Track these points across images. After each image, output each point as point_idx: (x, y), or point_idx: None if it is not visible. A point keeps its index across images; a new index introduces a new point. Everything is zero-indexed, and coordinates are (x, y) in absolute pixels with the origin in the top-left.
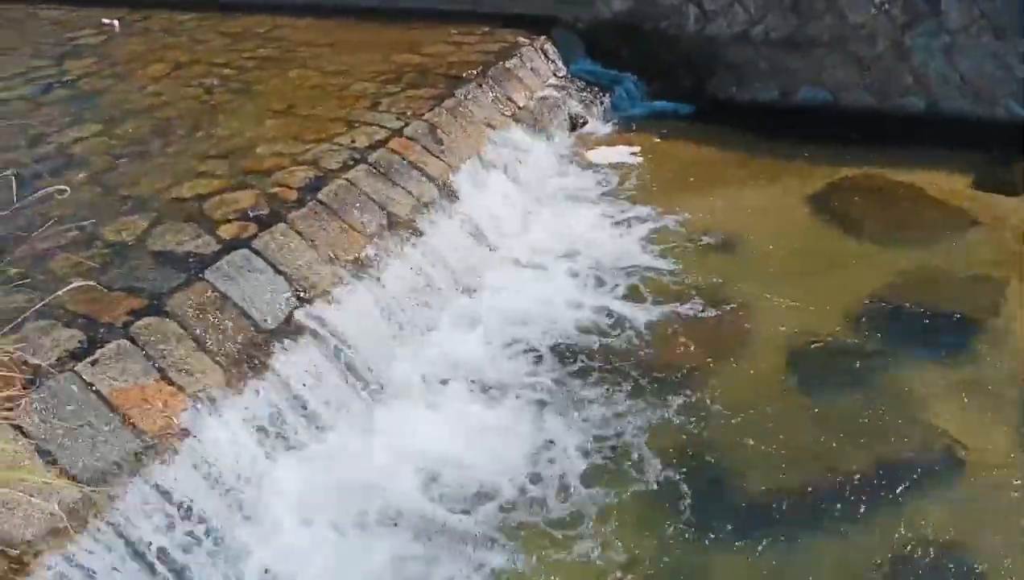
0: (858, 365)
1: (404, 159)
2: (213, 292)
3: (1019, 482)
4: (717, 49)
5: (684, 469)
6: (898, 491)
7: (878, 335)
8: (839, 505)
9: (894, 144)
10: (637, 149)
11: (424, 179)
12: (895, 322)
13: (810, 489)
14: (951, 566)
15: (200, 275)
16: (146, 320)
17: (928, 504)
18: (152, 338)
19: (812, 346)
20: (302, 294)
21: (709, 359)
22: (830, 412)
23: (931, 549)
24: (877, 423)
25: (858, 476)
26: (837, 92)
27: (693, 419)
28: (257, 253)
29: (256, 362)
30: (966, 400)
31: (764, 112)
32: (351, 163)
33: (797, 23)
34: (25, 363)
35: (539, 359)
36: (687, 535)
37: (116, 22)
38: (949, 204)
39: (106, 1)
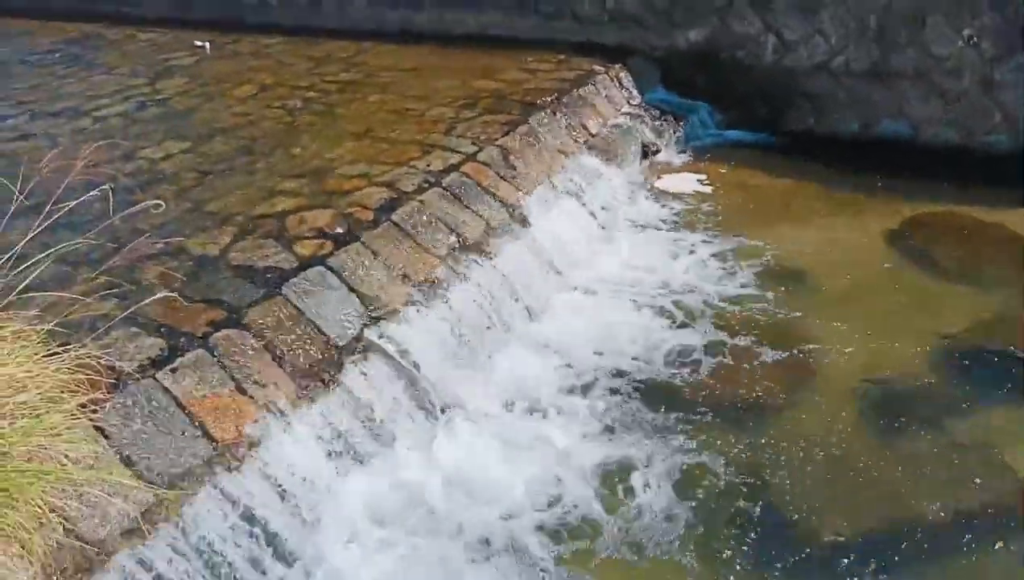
0: (934, 408)
1: (477, 183)
2: (289, 307)
3: None
4: (795, 79)
5: (749, 507)
6: (970, 541)
7: (956, 378)
8: (907, 553)
9: (978, 182)
10: (710, 179)
11: (495, 203)
12: (973, 365)
13: (878, 535)
14: None
15: (277, 290)
16: (224, 332)
17: (1001, 557)
18: (229, 349)
19: (886, 386)
20: (373, 312)
21: (779, 395)
22: (902, 455)
23: None
24: (951, 469)
25: (929, 524)
26: (919, 126)
27: (760, 456)
28: (332, 270)
29: (327, 377)
30: None
31: (842, 144)
32: (425, 186)
33: (879, 54)
34: (111, 368)
35: (604, 388)
36: (749, 574)
37: (207, 44)
38: None
39: (199, 25)
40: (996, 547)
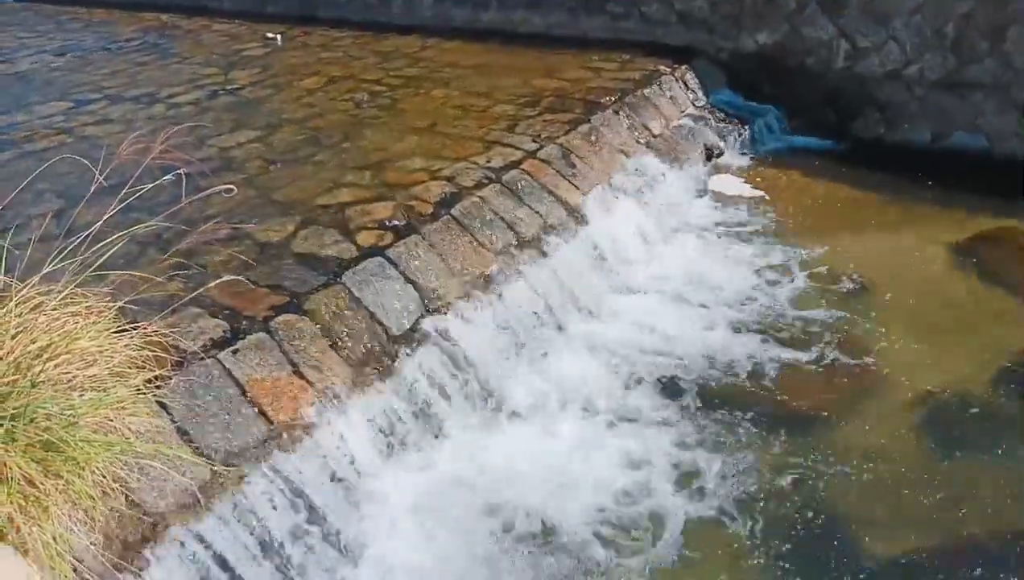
0: (995, 429)
1: (536, 180)
2: (348, 295)
3: None
4: (866, 87)
5: (801, 520)
6: (1016, 568)
7: (1017, 398)
8: (960, 575)
9: None
10: (773, 184)
11: (554, 201)
12: None
13: (929, 554)
14: None
15: (337, 278)
16: (285, 317)
17: None
18: (289, 334)
19: (947, 404)
20: (429, 304)
21: (837, 408)
22: (960, 475)
23: None
24: (1010, 492)
25: (981, 548)
26: (994, 139)
27: (815, 469)
28: (391, 261)
29: (382, 365)
30: None
31: (912, 155)
32: (485, 181)
33: (956, 64)
34: (176, 347)
35: (657, 391)
36: None
37: (279, 37)
38: None
39: (272, 18)
40: None
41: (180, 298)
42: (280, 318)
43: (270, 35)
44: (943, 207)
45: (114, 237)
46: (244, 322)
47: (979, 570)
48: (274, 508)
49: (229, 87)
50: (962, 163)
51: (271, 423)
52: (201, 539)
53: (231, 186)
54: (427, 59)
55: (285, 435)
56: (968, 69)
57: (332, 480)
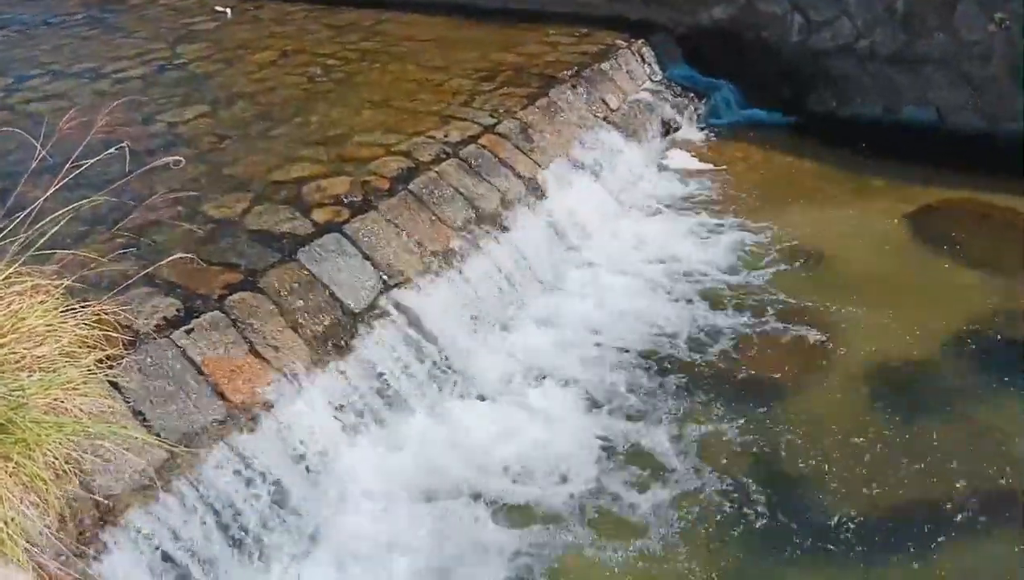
0: (944, 393)
1: (494, 155)
2: (304, 272)
3: None
4: (820, 61)
5: (757, 485)
6: (974, 526)
7: (968, 364)
8: (913, 536)
9: (1002, 169)
10: (729, 158)
11: (512, 176)
12: (987, 352)
13: (883, 515)
14: None
15: (293, 255)
16: (240, 295)
17: (1005, 542)
18: (244, 312)
19: (898, 370)
20: (388, 280)
21: (791, 376)
22: (911, 438)
23: None
24: (958, 454)
25: (936, 508)
26: (944, 112)
27: (770, 435)
28: (348, 238)
29: (340, 343)
30: None
31: (865, 128)
32: (443, 156)
33: (906, 38)
34: (127, 326)
35: (616, 363)
36: (755, 552)
37: (228, 10)
38: None
39: None
40: (1004, 531)
41: (131, 277)
42: (235, 296)
43: (219, 8)
44: (895, 179)
45: (59, 213)
46: (198, 301)
47: (932, 529)
48: (233, 489)
49: (177, 61)
50: (913, 136)
51: (228, 403)
52: (160, 520)
53: (178, 158)
54: (383, 32)
55: (243, 415)
56: (918, 43)
57: (292, 459)
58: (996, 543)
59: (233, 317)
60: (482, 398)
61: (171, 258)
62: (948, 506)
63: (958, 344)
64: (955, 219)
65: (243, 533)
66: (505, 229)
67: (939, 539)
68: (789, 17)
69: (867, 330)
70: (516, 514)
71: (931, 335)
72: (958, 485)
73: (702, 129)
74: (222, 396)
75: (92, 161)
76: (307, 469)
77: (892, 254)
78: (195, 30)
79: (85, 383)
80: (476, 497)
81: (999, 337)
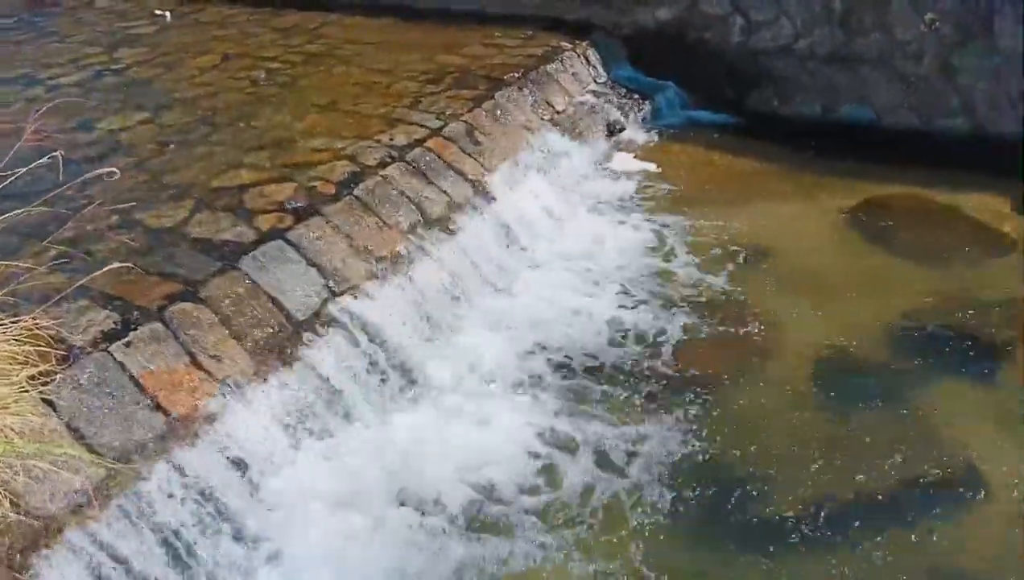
0: (885, 384)
1: (441, 158)
2: (247, 281)
3: None
4: (761, 61)
5: (701, 481)
6: (917, 513)
7: (908, 355)
8: (856, 524)
9: (936, 165)
10: (675, 158)
11: (459, 179)
12: (925, 343)
13: (828, 506)
14: None
15: (235, 264)
16: (180, 305)
17: (947, 527)
18: (185, 323)
19: (840, 363)
20: (334, 287)
21: (734, 371)
22: (853, 430)
23: (946, 574)
24: (900, 443)
25: (877, 495)
26: (881, 110)
27: (714, 430)
28: (292, 244)
29: (286, 352)
30: (991, 425)
31: (806, 127)
32: (389, 160)
33: (843, 39)
34: (61, 341)
35: (564, 365)
36: (700, 548)
37: (168, 13)
38: (989, 227)
39: None
40: (944, 517)
41: (64, 290)
42: (175, 307)
43: (158, 11)
44: (833, 176)
45: None
46: (136, 313)
47: (872, 519)
48: (175, 505)
49: (115, 67)
50: (852, 134)
51: (169, 417)
52: (97, 541)
53: (113, 169)
54: (327, 36)
55: (184, 429)
56: (855, 43)
57: (236, 473)
58: (936, 529)
59: (173, 328)
60: (431, 403)
61: (108, 269)
62: (888, 495)
63: (897, 336)
64: (893, 214)
65: (186, 551)
66: (453, 232)
67: (880, 528)
68: (731, 18)
69: (808, 324)
70: (466, 519)
71: (871, 328)
72: (898, 474)
73: (647, 130)
74: (162, 410)
75: (23, 170)
76: (252, 482)
77: (833, 249)
78: (133, 34)
79: (16, 402)
80: (426, 504)
81: (937, 329)
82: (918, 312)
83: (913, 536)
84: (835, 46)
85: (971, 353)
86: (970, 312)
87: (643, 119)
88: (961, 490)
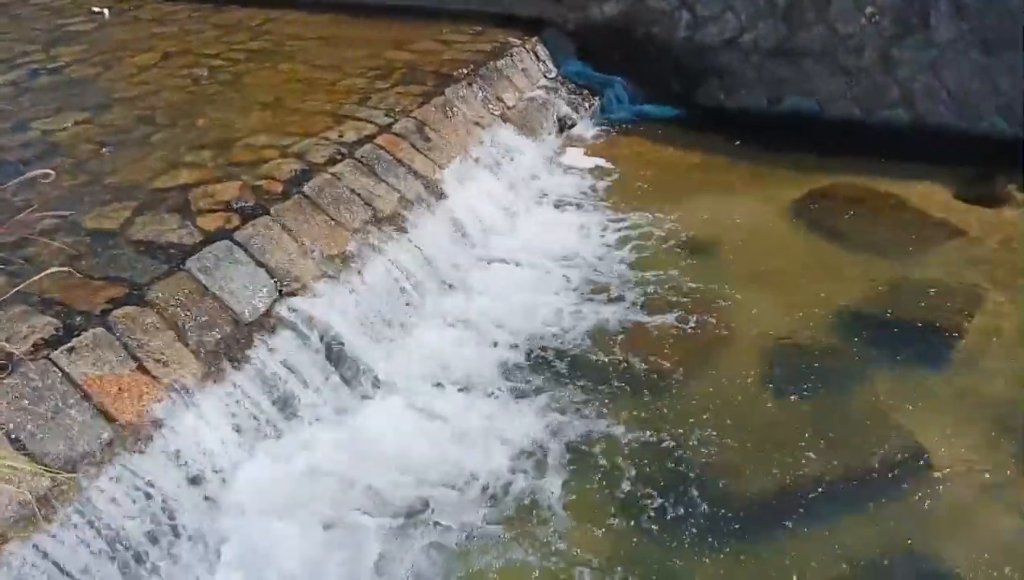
0: (835, 372)
1: (391, 155)
2: (193, 283)
3: (983, 490)
4: (707, 55)
5: (658, 472)
6: (868, 496)
7: (856, 342)
8: (812, 509)
9: (879, 155)
10: (624, 153)
11: (410, 176)
12: (873, 330)
13: (783, 493)
14: (915, 571)
15: (181, 266)
16: (124, 309)
17: (896, 509)
18: (129, 327)
19: (789, 352)
20: (283, 287)
21: (687, 363)
22: (805, 417)
23: (898, 554)
24: (851, 429)
25: (831, 480)
26: (824, 102)
27: (669, 422)
28: (239, 245)
29: (234, 354)
30: (937, 408)
31: (752, 120)
32: (338, 157)
33: (787, 32)
34: (0, 349)
35: (519, 360)
36: (659, 537)
37: (106, 10)
38: (931, 215)
39: None
40: (895, 499)
41: (2, 295)
42: (119, 311)
43: (96, 8)
44: (780, 167)
45: None
46: (79, 318)
47: (827, 502)
48: (123, 513)
49: (52, 65)
50: (797, 126)
51: (116, 423)
52: (42, 552)
53: (48, 171)
54: (271, 32)
55: (132, 436)
56: (798, 36)
57: (186, 479)
58: (888, 511)
59: (117, 333)
60: (385, 402)
61: (47, 273)
62: (841, 480)
63: (845, 324)
64: (838, 204)
65: (136, 561)
66: (405, 229)
67: (834, 512)
68: (677, 13)
69: (758, 314)
70: (420, 519)
71: (819, 316)
72: (849, 460)
73: (597, 125)
74: (108, 417)
75: None
76: (202, 488)
77: (778, 239)
78: (71, 31)
79: None
80: (379, 504)
81: (885, 315)
82: (865, 300)
83: (866, 519)
84: (779, 40)
85: (917, 339)
86: (914, 299)
87: (593, 114)
88: (909, 472)
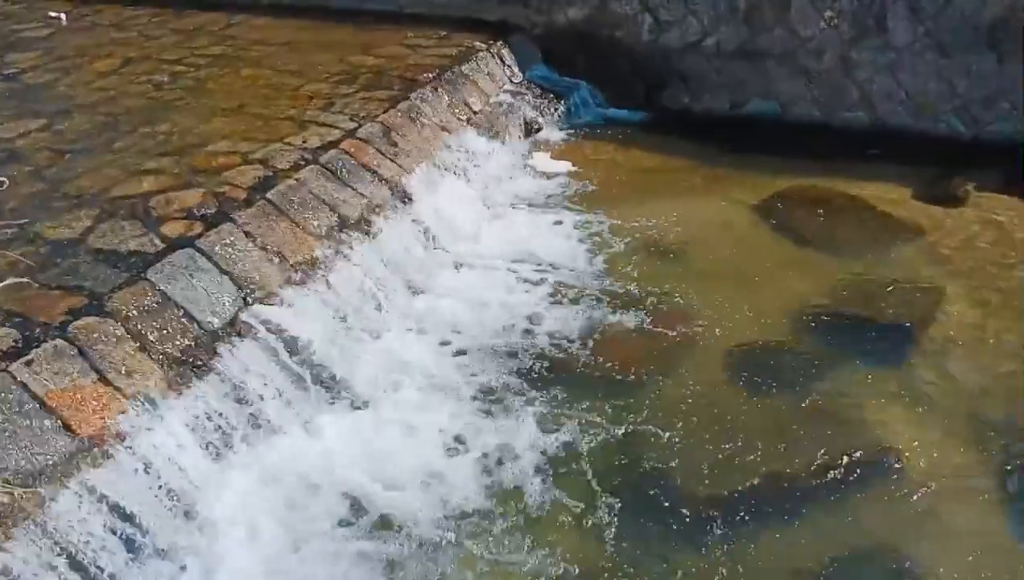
0: (799, 371)
1: (357, 161)
2: (155, 292)
3: (947, 484)
4: (670, 59)
5: (626, 473)
6: (833, 492)
7: (819, 341)
8: (778, 507)
9: (839, 156)
10: (589, 156)
11: (377, 181)
12: (836, 328)
13: (749, 492)
14: (883, 566)
15: (142, 274)
16: (85, 320)
17: (862, 505)
18: (90, 338)
19: (755, 352)
20: (248, 295)
21: (653, 364)
22: (771, 416)
23: (864, 549)
24: (815, 427)
25: (796, 478)
26: (785, 104)
27: (636, 423)
28: (202, 253)
29: (199, 363)
30: (900, 404)
31: (715, 122)
32: (302, 163)
33: (748, 35)
34: None
35: (486, 364)
36: (628, 538)
37: (63, 15)
38: (891, 215)
39: None
40: (859, 494)
41: None
42: (79, 322)
43: (53, 13)
44: (743, 169)
45: None
46: (38, 330)
47: (794, 499)
48: (88, 528)
49: (8, 72)
50: (759, 128)
51: (77, 436)
52: (4, 571)
53: (2, 179)
54: (234, 36)
55: (95, 448)
56: (759, 39)
57: (152, 490)
58: (853, 506)
59: (78, 344)
60: (354, 408)
61: (4, 284)
62: (806, 477)
63: (808, 323)
64: (800, 205)
65: (99, 572)
66: (372, 235)
67: (800, 509)
68: (640, 17)
69: (723, 315)
70: (388, 525)
71: (783, 316)
72: (814, 456)
73: (563, 128)
74: (70, 430)
75: None
76: (169, 501)
77: (744, 241)
78: (26, 37)
79: None
80: (349, 511)
81: (845, 314)
82: (827, 299)
83: (832, 514)
84: (741, 43)
85: (877, 336)
86: (875, 297)
87: (559, 118)
88: (873, 467)
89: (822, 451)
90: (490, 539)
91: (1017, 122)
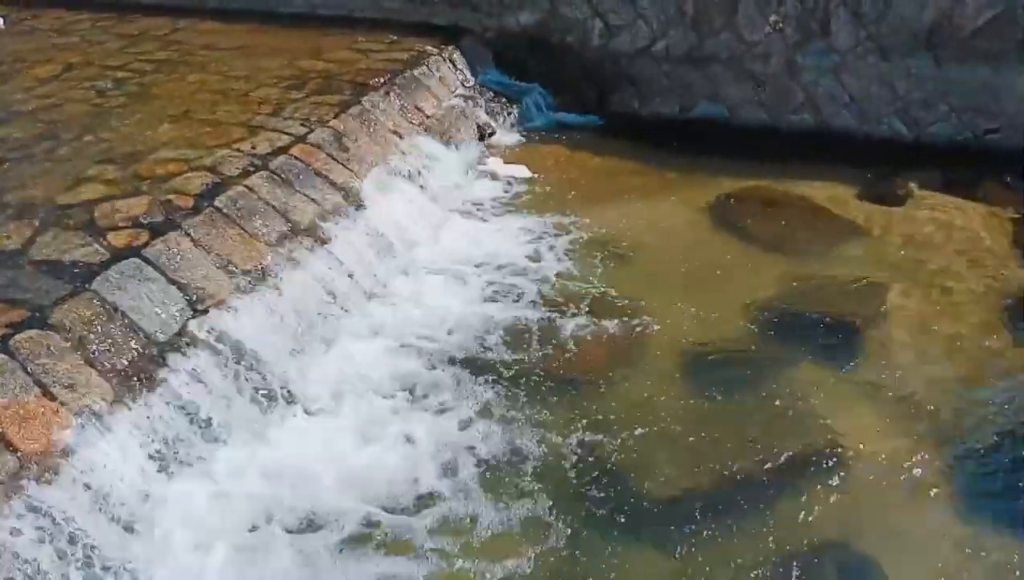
0: (751, 370)
1: (307, 166)
2: (101, 303)
3: (899, 479)
4: (620, 63)
5: (583, 475)
6: (788, 489)
7: (769, 341)
8: (734, 505)
9: (786, 158)
10: (544, 160)
11: (328, 187)
12: (786, 327)
13: (706, 490)
14: (837, 561)
15: (87, 285)
16: (27, 333)
17: (816, 501)
18: (32, 352)
19: (707, 352)
20: (197, 305)
21: (608, 366)
22: (725, 415)
23: (819, 544)
24: (769, 425)
25: (751, 476)
26: (733, 108)
27: (592, 426)
28: (149, 262)
29: (147, 376)
30: (849, 400)
31: (665, 126)
32: (251, 169)
33: (696, 40)
34: None
35: (442, 369)
36: (587, 539)
37: (1, 20)
38: (837, 215)
39: None
40: (812, 490)
41: None
42: (21, 335)
43: None
44: (692, 172)
45: None
46: None
47: (748, 497)
48: (34, 548)
49: None
50: (708, 131)
51: (21, 453)
52: None
53: None
54: (180, 41)
55: (38, 465)
56: (707, 44)
57: (99, 508)
58: (806, 502)
59: (20, 359)
60: (307, 417)
61: None
62: (760, 475)
63: (759, 323)
64: (749, 206)
65: None
66: (324, 241)
67: (756, 507)
68: (590, 22)
69: (676, 316)
70: (345, 536)
71: (734, 317)
72: (768, 455)
73: (516, 133)
74: (12, 447)
75: None
76: (117, 518)
77: (695, 243)
78: None
79: None
80: (303, 524)
81: (795, 314)
82: (777, 298)
83: (786, 511)
84: (689, 47)
85: (826, 335)
86: (824, 296)
87: (512, 122)
88: (825, 464)
89: (775, 449)
90: (447, 548)
91: (956, 124)
